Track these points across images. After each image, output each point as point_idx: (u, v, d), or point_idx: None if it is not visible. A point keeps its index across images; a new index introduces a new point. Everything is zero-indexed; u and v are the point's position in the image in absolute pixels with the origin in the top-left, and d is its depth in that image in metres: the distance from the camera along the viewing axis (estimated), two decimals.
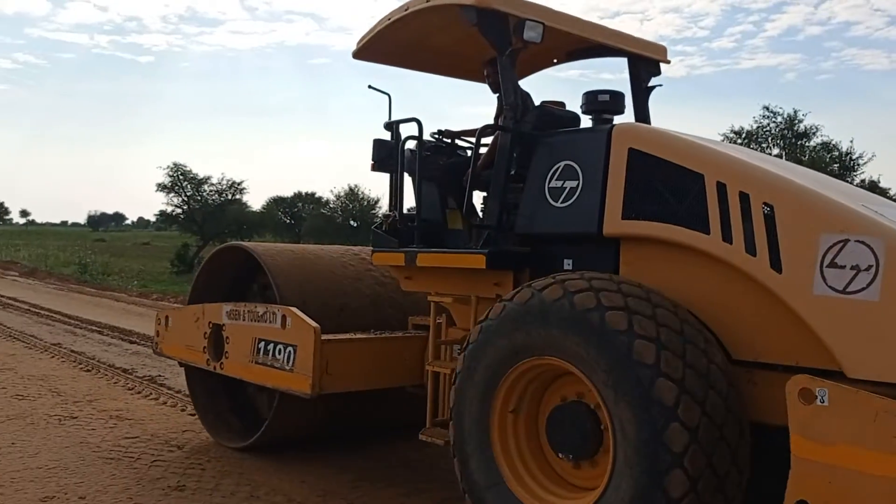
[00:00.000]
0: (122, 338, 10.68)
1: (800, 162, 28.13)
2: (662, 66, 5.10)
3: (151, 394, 7.22)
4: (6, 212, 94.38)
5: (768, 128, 31.03)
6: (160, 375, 7.90)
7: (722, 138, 31.05)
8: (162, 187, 39.89)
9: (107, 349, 9.75)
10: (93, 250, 47.41)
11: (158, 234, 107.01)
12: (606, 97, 4.29)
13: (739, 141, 30.84)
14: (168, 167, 39.97)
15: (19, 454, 5.25)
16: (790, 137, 30.73)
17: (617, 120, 4.28)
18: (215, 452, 5.40)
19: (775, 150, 30.80)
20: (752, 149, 29.73)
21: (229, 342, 5.18)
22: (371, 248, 4.91)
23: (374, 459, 5.37)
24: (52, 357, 9.14)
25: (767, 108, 30.83)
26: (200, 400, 5.94)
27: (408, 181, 4.82)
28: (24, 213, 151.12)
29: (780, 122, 30.87)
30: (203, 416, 5.90)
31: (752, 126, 31.31)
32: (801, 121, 30.68)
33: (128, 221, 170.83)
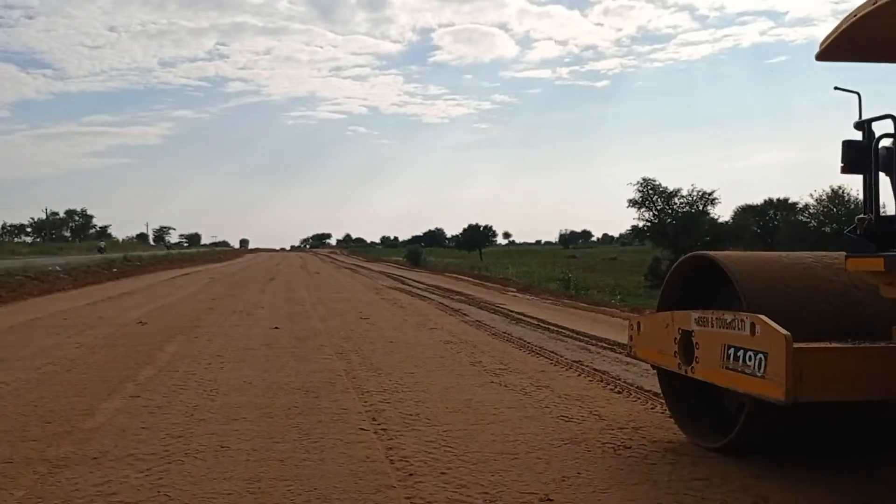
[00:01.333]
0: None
1: None
2: None
3: None
4: (494, 234, 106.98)
5: None
6: None
7: None
8: (633, 203, 40.79)
9: (626, 369, 9.46)
10: (568, 266, 50.36)
11: (623, 249, 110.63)
12: None
13: None
14: (637, 183, 40.68)
15: (590, 487, 4.95)
16: None
17: None
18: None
19: None
20: None
21: (699, 347, 5.41)
22: (844, 253, 4.84)
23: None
24: (579, 375, 9.14)
25: None
26: (672, 401, 6.34)
27: (885, 182, 4.65)
28: (506, 235, 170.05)
29: None
30: (676, 416, 6.29)
31: None
32: None
33: (594, 238, 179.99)
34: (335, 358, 10.46)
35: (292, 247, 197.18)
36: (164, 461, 5.49)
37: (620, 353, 10.84)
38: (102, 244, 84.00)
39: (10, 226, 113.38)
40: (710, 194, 41.03)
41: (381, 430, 6.44)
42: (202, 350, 11.22)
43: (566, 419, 6.85)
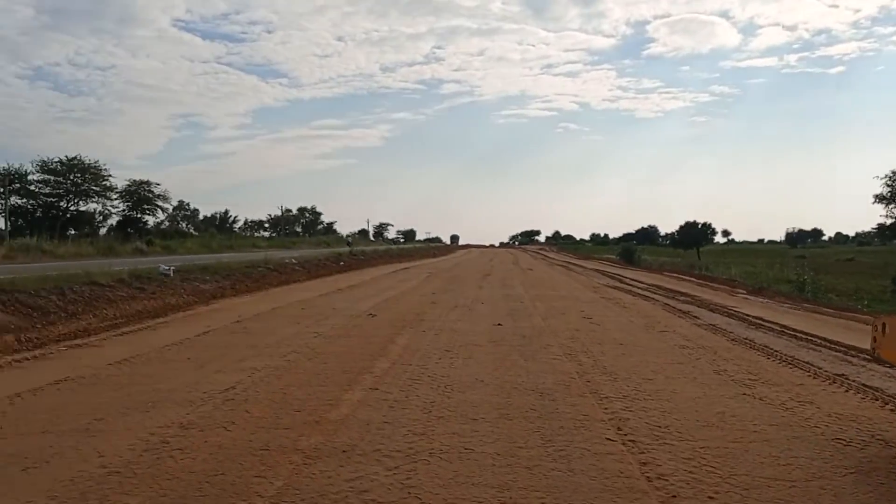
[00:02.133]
0: None
1: None
2: None
3: None
4: (713, 232, 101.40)
5: None
6: None
7: None
8: (880, 198, 36.62)
9: None
10: (798, 267, 46.32)
11: (861, 250, 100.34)
12: None
13: None
14: (886, 176, 36.53)
15: None
16: None
17: None
18: None
19: None
20: None
21: None
22: None
23: None
24: (846, 391, 8.20)
25: None
26: None
27: None
28: (725, 233, 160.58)
29: None
30: None
31: None
32: None
33: (825, 237, 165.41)
34: (564, 359, 10.08)
35: (501, 243, 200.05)
36: (411, 460, 5.39)
37: (890, 367, 9.50)
38: (350, 239, 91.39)
39: (251, 221, 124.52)
40: None
41: (630, 441, 5.96)
42: (431, 344, 11.32)
43: (844, 443, 5.98)
